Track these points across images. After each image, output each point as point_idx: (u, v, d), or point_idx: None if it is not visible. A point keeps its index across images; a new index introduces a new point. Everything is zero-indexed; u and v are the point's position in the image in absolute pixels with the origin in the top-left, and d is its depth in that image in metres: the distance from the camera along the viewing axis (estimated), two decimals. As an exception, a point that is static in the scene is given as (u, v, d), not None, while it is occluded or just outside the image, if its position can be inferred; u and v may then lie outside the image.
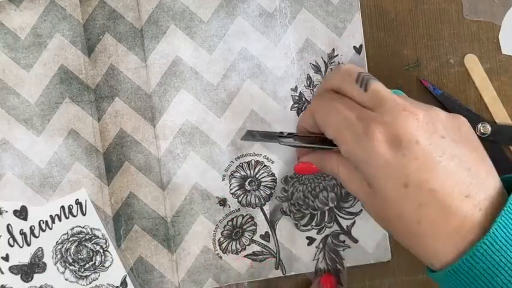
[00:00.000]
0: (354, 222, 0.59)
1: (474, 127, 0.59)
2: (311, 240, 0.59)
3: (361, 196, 0.49)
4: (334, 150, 0.51)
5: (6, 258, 0.57)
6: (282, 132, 0.54)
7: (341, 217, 0.59)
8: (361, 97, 0.48)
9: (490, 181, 0.46)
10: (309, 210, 0.58)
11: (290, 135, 0.54)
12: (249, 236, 0.59)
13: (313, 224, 0.59)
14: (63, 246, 0.57)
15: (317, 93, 0.53)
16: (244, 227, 0.59)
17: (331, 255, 0.59)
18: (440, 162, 0.44)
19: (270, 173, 0.58)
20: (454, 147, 0.45)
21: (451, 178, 0.44)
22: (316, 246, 0.59)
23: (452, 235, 0.44)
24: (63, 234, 0.57)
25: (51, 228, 0.57)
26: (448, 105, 0.59)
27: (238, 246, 0.58)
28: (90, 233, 0.58)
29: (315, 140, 0.52)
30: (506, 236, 0.43)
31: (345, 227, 0.59)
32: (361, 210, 0.59)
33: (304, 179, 0.58)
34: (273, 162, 0.58)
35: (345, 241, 0.59)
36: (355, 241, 0.59)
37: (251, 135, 0.54)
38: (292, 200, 0.58)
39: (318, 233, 0.59)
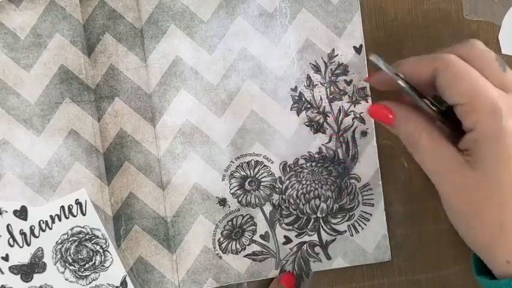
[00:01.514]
0: (334, 240, 0.58)
1: (474, 127, 0.59)
2: (287, 240, 0.59)
3: (445, 172, 0.45)
4: (423, 116, 0.47)
5: (6, 258, 0.57)
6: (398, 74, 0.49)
7: (324, 230, 0.58)
8: (501, 76, 0.45)
9: None
10: (297, 212, 0.58)
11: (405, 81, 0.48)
12: (249, 236, 0.59)
13: (296, 226, 0.58)
14: (63, 246, 0.57)
15: (439, 54, 0.47)
16: (244, 227, 0.59)
17: (301, 263, 0.59)
18: None
19: (270, 173, 0.58)
20: None
21: None
22: (290, 248, 0.58)
23: None
24: (63, 234, 0.57)
25: (51, 228, 0.57)
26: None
27: (238, 246, 0.58)
28: (90, 233, 0.58)
29: (426, 98, 0.47)
30: None
31: (324, 241, 0.58)
32: (345, 231, 0.58)
33: (302, 177, 0.58)
34: (273, 162, 0.58)
35: (318, 254, 0.59)
36: (329, 258, 0.58)
37: (376, 59, 0.47)
38: (284, 195, 0.58)
39: (296, 236, 0.58)
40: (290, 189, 0.58)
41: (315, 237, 0.59)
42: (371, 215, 0.58)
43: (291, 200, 0.58)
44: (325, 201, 0.58)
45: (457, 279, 0.59)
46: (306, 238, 0.59)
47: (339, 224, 0.58)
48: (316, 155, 0.58)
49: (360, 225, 0.58)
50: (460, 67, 0.45)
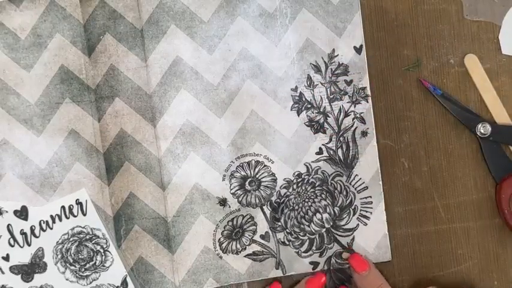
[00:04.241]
0: (354, 238, 0.58)
1: (474, 127, 0.59)
2: (315, 265, 0.58)
3: None
4: None
5: (6, 258, 0.57)
6: None
7: (340, 235, 0.58)
8: None
9: None
10: (307, 236, 0.58)
11: None
12: (249, 236, 0.59)
13: (314, 248, 0.58)
14: (63, 246, 0.58)
15: None
16: (244, 227, 0.59)
17: (338, 275, 0.58)
18: None
19: (270, 173, 0.58)
20: None
21: None
22: (321, 270, 0.58)
23: None
24: (63, 234, 0.57)
25: (51, 228, 0.57)
26: (448, 105, 0.59)
27: (238, 246, 0.58)
28: (91, 233, 0.58)
29: None
30: None
31: (345, 245, 0.58)
32: (358, 225, 0.58)
33: (293, 203, 0.58)
34: (273, 162, 0.58)
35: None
36: None
37: None
38: (287, 229, 0.58)
39: (320, 256, 0.58)
40: (289, 220, 0.58)
41: (336, 247, 0.58)
42: (371, 197, 0.58)
43: (296, 229, 0.58)
44: (325, 211, 0.58)
45: (456, 279, 0.60)
46: (329, 253, 0.58)
47: (348, 223, 0.58)
48: (292, 177, 0.58)
49: (366, 211, 0.58)
50: None
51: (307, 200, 0.58)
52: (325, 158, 0.58)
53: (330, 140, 0.58)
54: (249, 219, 0.59)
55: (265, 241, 0.59)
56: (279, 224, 0.58)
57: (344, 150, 0.58)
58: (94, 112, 0.57)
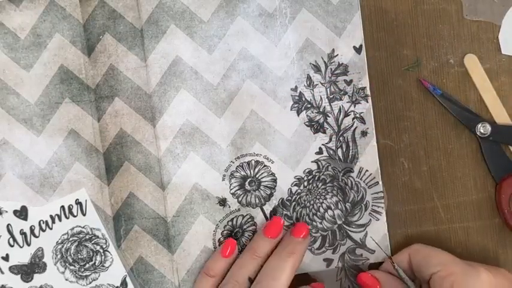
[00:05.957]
0: (366, 233, 0.58)
1: (474, 127, 0.59)
2: (329, 262, 0.58)
3: None
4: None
5: (6, 258, 0.57)
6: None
7: (352, 231, 0.58)
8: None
9: None
10: (319, 233, 0.58)
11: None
12: (249, 236, 0.59)
13: (327, 245, 0.58)
14: (63, 246, 0.57)
15: (407, 247, 0.58)
16: (244, 227, 0.59)
17: (353, 272, 0.58)
18: None
19: (270, 173, 0.58)
20: None
21: None
22: (335, 266, 0.58)
23: None
24: (63, 234, 0.57)
25: (51, 228, 0.57)
26: (448, 105, 0.59)
27: (238, 246, 0.58)
28: (90, 233, 0.58)
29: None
30: None
31: (358, 240, 0.58)
32: (370, 220, 0.58)
33: (304, 200, 0.58)
34: (273, 162, 0.58)
35: (362, 254, 0.58)
36: (372, 252, 0.58)
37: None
38: None
39: (333, 253, 0.58)
40: (301, 218, 0.58)
41: (349, 243, 0.58)
42: (382, 192, 0.58)
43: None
44: (337, 207, 0.58)
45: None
46: (342, 249, 0.58)
47: (361, 219, 0.58)
48: (303, 174, 0.58)
49: (378, 207, 0.58)
50: (429, 248, 0.56)
51: (318, 196, 0.58)
52: (325, 157, 0.58)
53: (330, 139, 0.58)
54: (249, 219, 0.59)
55: (265, 241, 0.58)
56: (291, 222, 0.58)
57: (344, 150, 0.58)
58: (94, 112, 0.57)
